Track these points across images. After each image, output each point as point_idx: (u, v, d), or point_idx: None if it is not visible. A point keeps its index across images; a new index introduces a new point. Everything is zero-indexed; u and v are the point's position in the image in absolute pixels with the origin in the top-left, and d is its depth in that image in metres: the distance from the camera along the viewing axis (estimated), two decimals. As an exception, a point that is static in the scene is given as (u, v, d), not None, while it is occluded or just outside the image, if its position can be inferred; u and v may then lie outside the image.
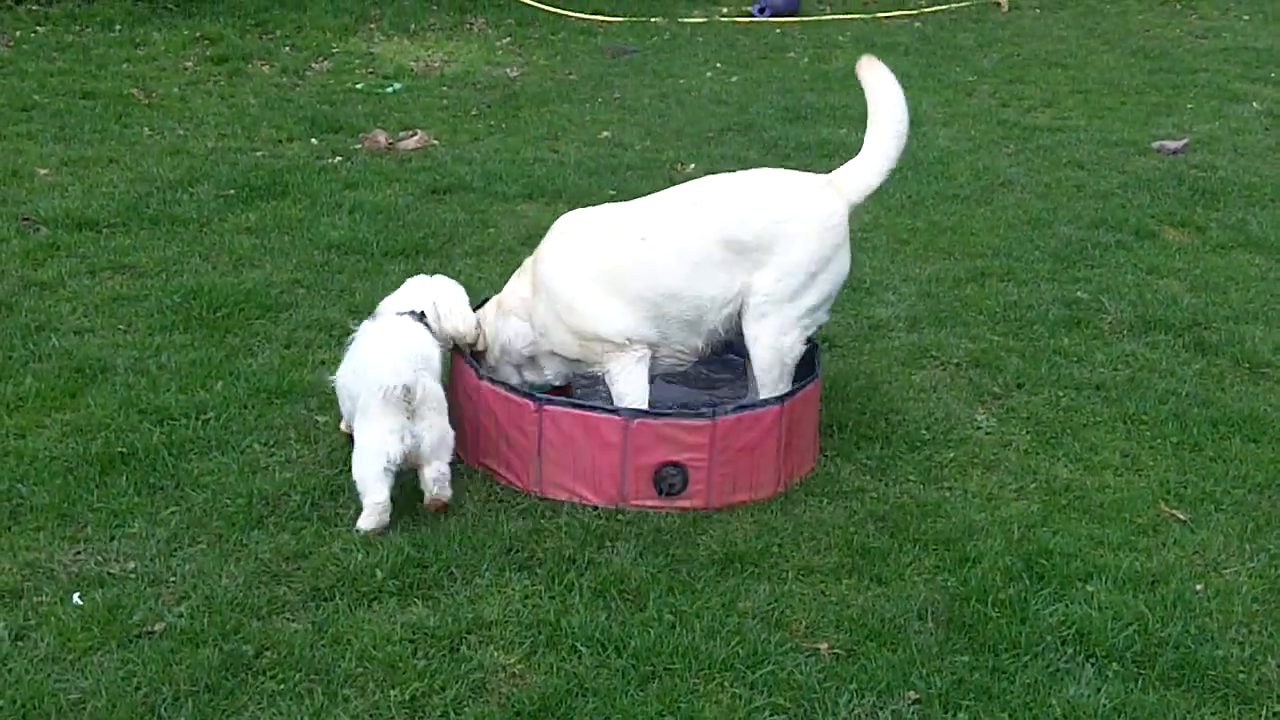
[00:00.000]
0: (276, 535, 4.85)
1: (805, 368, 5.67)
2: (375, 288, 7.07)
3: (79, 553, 4.70)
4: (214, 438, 5.45)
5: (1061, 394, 6.41)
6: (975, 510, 5.38)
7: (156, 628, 4.31)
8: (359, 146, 9.68)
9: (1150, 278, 7.99)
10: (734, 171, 5.84)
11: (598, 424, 5.14)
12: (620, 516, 5.12)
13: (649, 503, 5.18)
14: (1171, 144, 10.67)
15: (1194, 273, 8.09)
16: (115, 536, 4.79)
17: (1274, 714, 4.30)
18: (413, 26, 13.68)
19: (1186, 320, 7.31)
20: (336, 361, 6.01)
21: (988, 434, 6.03)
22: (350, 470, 4.98)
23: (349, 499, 5.09)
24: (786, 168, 9.35)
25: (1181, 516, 5.42)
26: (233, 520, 4.91)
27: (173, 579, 4.58)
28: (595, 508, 5.16)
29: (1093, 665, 4.46)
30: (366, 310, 6.61)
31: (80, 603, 4.42)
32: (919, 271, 7.90)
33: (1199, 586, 4.92)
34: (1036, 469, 5.75)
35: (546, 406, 5.18)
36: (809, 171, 5.81)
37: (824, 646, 4.48)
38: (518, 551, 4.86)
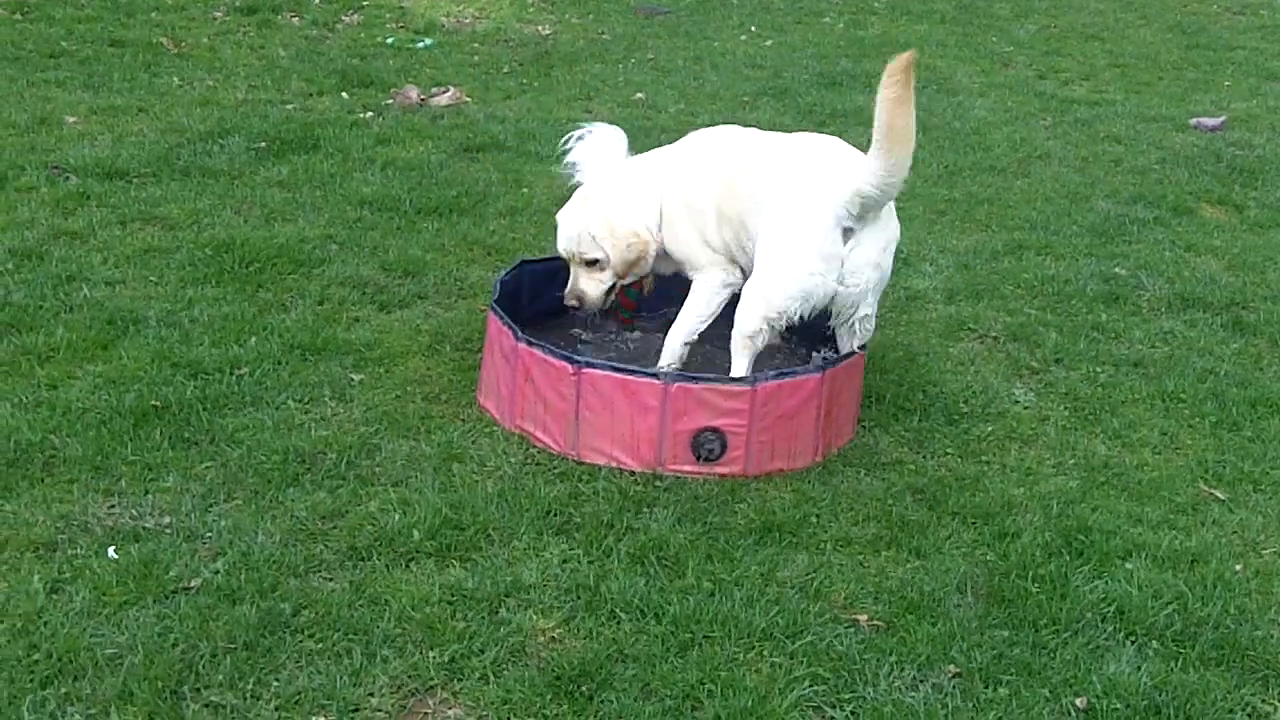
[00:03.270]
0: (312, 493, 4.80)
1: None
2: (408, 245, 7.02)
3: (113, 506, 4.66)
4: (248, 393, 5.40)
5: (1100, 370, 6.34)
6: (1013, 485, 5.33)
7: (193, 584, 4.27)
8: (390, 102, 9.60)
9: (1188, 255, 7.91)
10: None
11: (636, 388, 5.08)
12: (658, 482, 5.07)
13: (687, 468, 5.13)
14: (1209, 121, 10.56)
15: (1232, 251, 8.01)
16: (150, 490, 4.74)
17: (1319, 699, 4.25)
18: (444, -18, 13.57)
19: (1225, 299, 7.23)
20: (371, 320, 5.99)
21: (1025, 409, 5.96)
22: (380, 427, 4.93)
23: (385, 458, 5.05)
24: (822, 131, 9.36)
25: (1220, 496, 5.37)
26: (268, 477, 4.87)
27: (208, 535, 4.53)
28: (633, 473, 5.11)
29: (1132, 643, 4.41)
30: (401, 268, 6.61)
31: (115, 557, 4.38)
32: (956, 243, 7.82)
33: (1238, 566, 4.87)
34: (1075, 445, 5.69)
35: (585, 369, 5.13)
36: (844, 139, 5.69)
37: (863, 618, 4.43)
38: (555, 515, 4.81)
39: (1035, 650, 4.33)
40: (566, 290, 5.77)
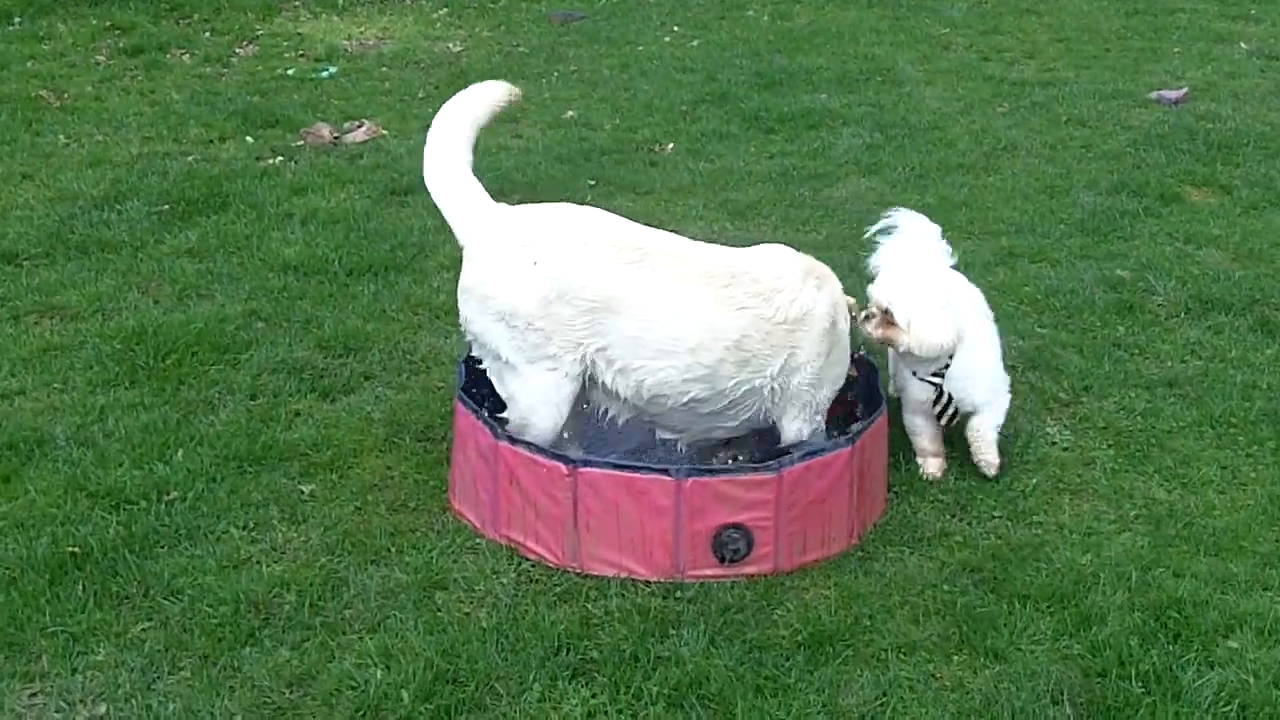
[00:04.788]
0: (274, 652, 4.01)
1: (868, 393, 4.91)
2: (344, 314, 6.21)
3: (35, 695, 3.85)
4: (182, 525, 4.59)
5: (1134, 395, 5.69)
6: (1078, 551, 4.66)
7: (143, 800, 3.46)
8: (300, 143, 8.74)
9: (1189, 248, 7.30)
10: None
11: (645, 486, 4.33)
12: (679, 593, 4.33)
13: (709, 572, 4.40)
14: (1170, 94, 9.97)
15: (1233, 240, 7.40)
16: (77, 669, 3.93)
17: None
18: (341, 1, 12.66)
19: (1243, 298, 6.62)
20: (314, 414, 5.20)
21: (1065, 450, 5.30)
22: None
23: (355, 594, 4.27)
24: (773, 141, 8.67)
25: (1309, 544, 4.73)
26: (218, 636, 4.07)
27: (154, 724, 3.72)
28: (647, 584, 4.37)
29: (1266, 752, 3.74)
30: (340, 344, 5.80)
31: (43, 768, 3.56)
32: (942, 256, 7.12)
33: (1359, 636, 4.21)
34: (1130, 491, 5.03)
35: (581, 469, 4.36)
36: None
37: (954, 754, 3.72)
38: (567, 651, 4.05)
39: (1163, 776, 3.64)
40: None
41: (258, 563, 4.42)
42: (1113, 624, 4.23)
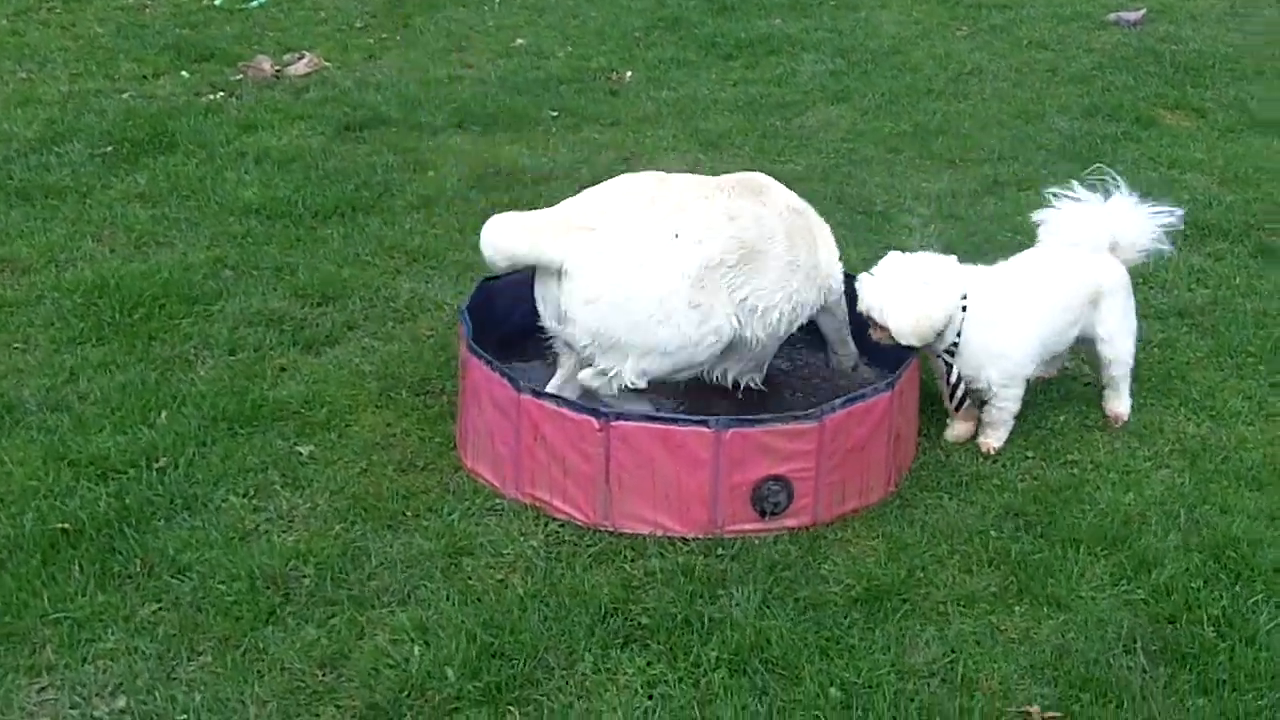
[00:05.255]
0: (299, 631, 3.71)
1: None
2: (316, 260, 5.87)
3: (44, 689, 3.52)
4: (176, 494, 4.25)
5: (1148, 326, 5.50)
6: (1119, 490, 4.49)
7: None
8: (240, 77, 8.30)
9: (1174, 173, 7.16)
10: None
11: (683, 439, 4.07)
12: (719, 550, 4.09)
13: (749, 527, 4.15)
14: (1129, 15, 9.81)
15: (1216, 164, 7.27)
16: (87, 658, 3.60)
17: None
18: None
19: (1239, 223, 6.49)
20: (301, 368, 4.88)
21: (1087, 384, 5.13)
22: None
23: (378, 565, 3.98)
24: (732, 69, 8.36)
25: (1351, 474, 4.59)
26: (236, 615, 3.76)
27: (182, 717, 3.41)
28: (685, 540, 4.11)
29: (1349, 696, 3.58)
30: (317, 292, 5.48)
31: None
32: (928, 186, 6.92)
33: None
34: (1160, 425, 4.88)
35: (614, 423, 4.09)
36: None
37: (1034, 710, 3.53)
38: (614, 617, 3.80)
39: (1254, 728, 3.47)
40: None
41: (266, 533, 4.10)
42: (1171, 566, 4.05)
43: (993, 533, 4.23)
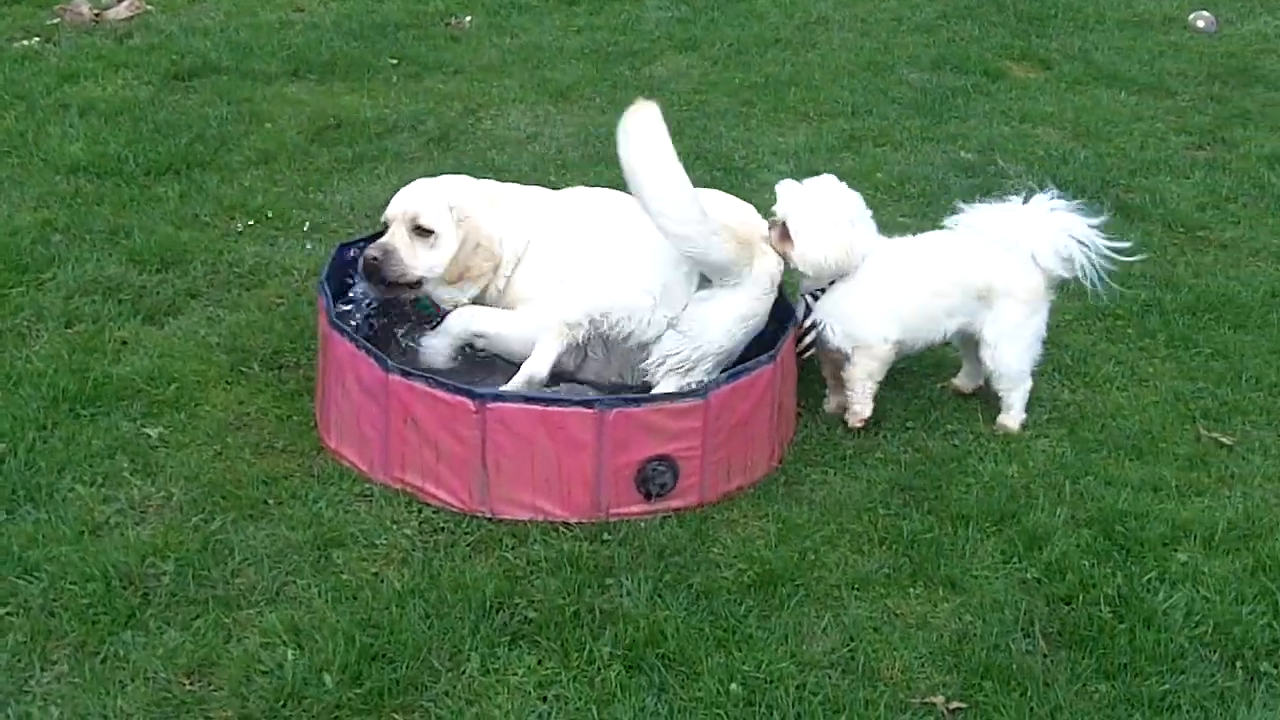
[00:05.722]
0: (161, 635, 3.44)
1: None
2: (152, 221, 5.52)
3: (-121, 711, 3.19)
4: (19, 484, 3.93)
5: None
6: (1002, 462, 4.44)
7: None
8: (56, 21, 7.80)
9: (1026, 127, 7.16)
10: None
11: (563, 420, 3.88)
12: (605, 535, 3.92)
13: (633, 509, 3.99)
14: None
15: (1066, 117, 7.30)
16: (-72, 673, 3.29)
17: None
18: None
19: (1094, 179, 6.50)
20: (143, 341, 4.56)
21: (957, 350, 5.03)
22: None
23: (242, 560, 3.72)
24: (576, 14, 8.11)
25: (1224, 440, 4.62)
26: (92, 619, 3.47)
27: (38, 736, 3.14)
28: (568, 526, 3.93)
29: (1245, 674, 3.58)
30: (155, 257, 5.14)
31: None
32: (784, 141, 6.81)
33: (1299, 536, 4.09)
34: (1038, 393, 4.82)
35: (490, 404, 3.88)
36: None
37: (939, 701, 3.44)
38: (499, 611, 3.60)
39: (1155, 710, 3.43)
40: (374, 244, 4.48)
41: (118, 526, 3.80)
42: (1061, 542, 4.00)
43: (881, 509, 4.13)
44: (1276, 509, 4.24)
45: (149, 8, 8.10)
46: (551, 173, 6.15)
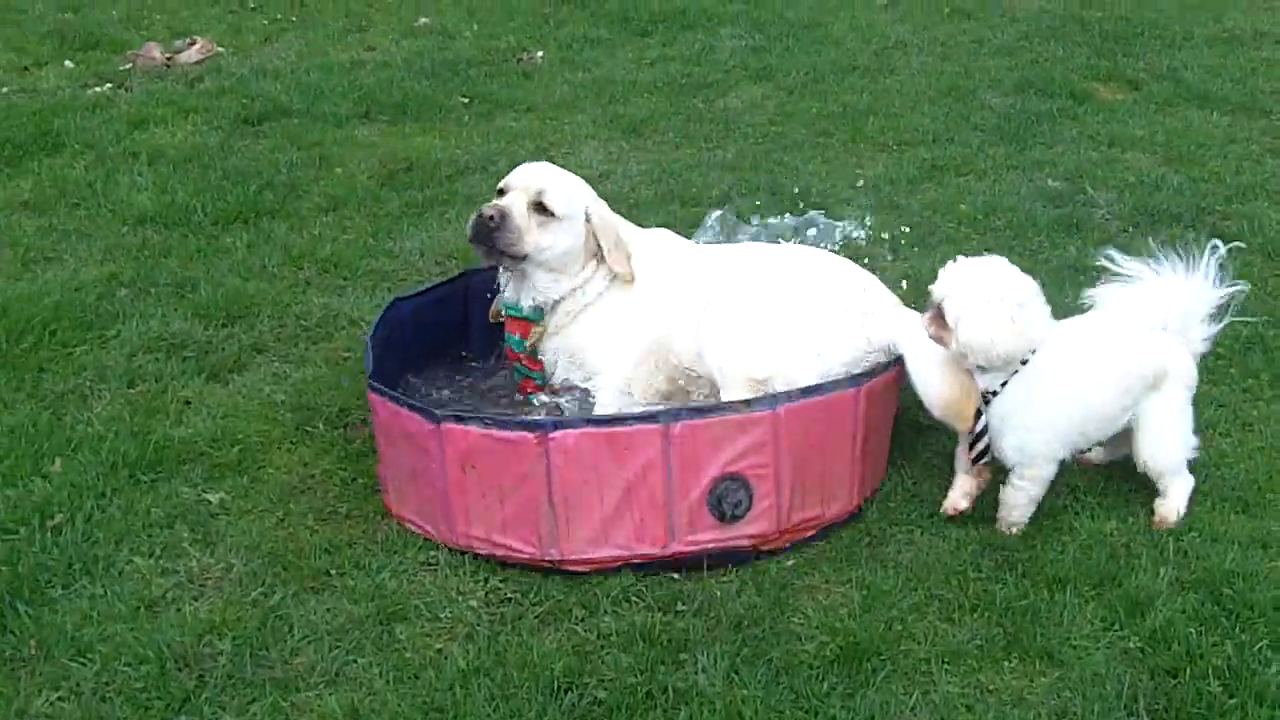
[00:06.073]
0: (217, 722, 3.31)
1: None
2: (219, 273, 5.44)
3: (-74, 807, 3.08)
4: (74, 556, 3.83)
5: (1107, 327, 5.22)
6: (1100, 518, 4.19)
7: None
8: (129, 66, 7.78)
9: (1115, 152, 6.90)
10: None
11: (629, 439, 3.75)
12: (680, 604, 3.74)
13: (706, 538, 3.84)
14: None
15: (1157, 140, 7.03)
16: (-25, 764, 3.18)
17: None
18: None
19: (1188, 206, 6.24)
20: (206, 400, 4.46)
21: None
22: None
23: (301, 637, 3.58)
24: (649, 46, 7.98)
25: (1338, 491, 4.33)
26: (145, 704, 3.36)
27: (88, 836, 3.01)
28: (641, 596, 3.77)
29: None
30: (221, 311, 5.06)
31: None
32: (864, 171, 6.61)
33: None
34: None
35: (553, 434, 3.73)
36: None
37: (1039, 793, 3.21)
38: (568, 691, 3.44)
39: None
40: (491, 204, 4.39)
41: (175, 602, 3.69)
42: (1165, 608, 3.76)
43: (971, 573, 3.91)
44: (1395, 568, 3.97)
45: (220, 50, 8.07)
46: (625, 211, 5.97)
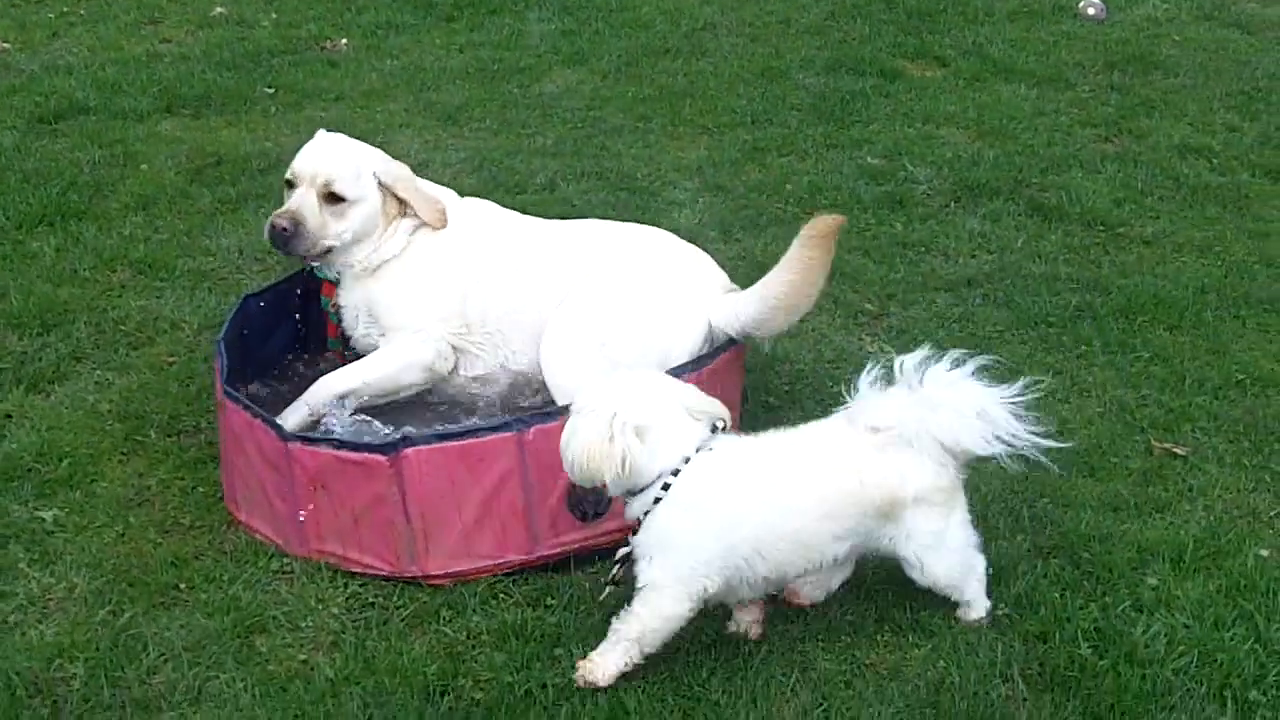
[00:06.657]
0: (74, 753, 3.11)
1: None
2: (28, 280, 5.16)
3: None
4: (-98, 584, 3.57)
5: (941, 300, 5.34)
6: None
7: None
8: (-93, 65, 7.34)
9: (930, 128, 7.01)
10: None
11: (482, 451, 3.65)
12: (549, 600, 3.66)
13: (571, 539, 3.77)
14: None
15: (969, 116, 7.16)
16: None
17: None
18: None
19: (1006, 179, 6.37)
20: (28, 412, 4.23)
21: (894, 369, 4.84)
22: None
23: (158, 655, 3.40)
24: (456, 31, 7.83)
25: (1178, 451, 4.45)
26: (-7, 740, 3.13)
27: None
28: (508, 593, 3.68)
29: (1236, 705, 3.41)
30: (35, 319, 4.80)
31: None
32: (685, 155, 6.58)
33: (1264, 552, 3.93)
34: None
35: (405, 452, 3.61)
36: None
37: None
38: (444, 694, 3.34)
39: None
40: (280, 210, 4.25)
41: (18, 626, 3.48)
42: (1027, 574, 3.81)
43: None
44: (1240, 522, 4.08)
45: (6, 45, 7.67)
46: (449, 201, 5.86)
